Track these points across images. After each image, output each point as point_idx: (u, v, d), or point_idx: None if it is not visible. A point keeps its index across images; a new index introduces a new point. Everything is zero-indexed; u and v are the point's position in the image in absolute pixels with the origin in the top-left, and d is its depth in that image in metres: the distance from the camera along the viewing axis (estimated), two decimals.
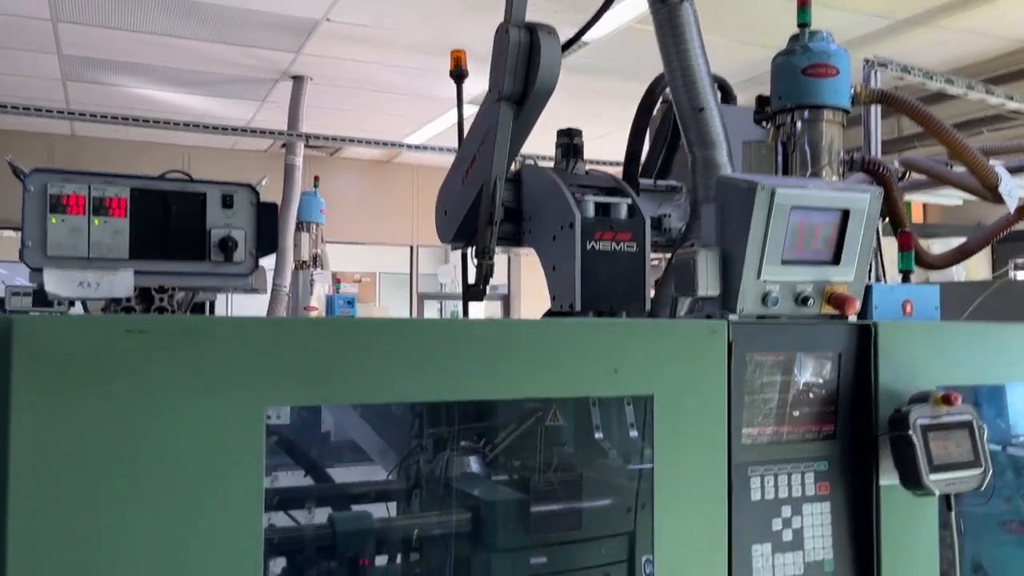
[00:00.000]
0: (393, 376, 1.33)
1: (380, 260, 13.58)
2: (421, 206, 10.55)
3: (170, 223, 1.29)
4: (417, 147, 7.35)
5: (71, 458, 1.12)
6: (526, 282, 11.52)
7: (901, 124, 6.09)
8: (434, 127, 8.75)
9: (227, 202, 1.32)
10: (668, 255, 2.58)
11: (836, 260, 1.70)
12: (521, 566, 1.97)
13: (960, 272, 4.50)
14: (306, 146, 7.48)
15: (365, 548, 1.68)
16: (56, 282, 1.20)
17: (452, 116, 8.86)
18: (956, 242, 2.67)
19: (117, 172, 1.25)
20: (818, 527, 1.70)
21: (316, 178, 6.84)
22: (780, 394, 1.69)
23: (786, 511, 1.68)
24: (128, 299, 1.26)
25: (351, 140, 6.93)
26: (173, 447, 1.19)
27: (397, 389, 1.35)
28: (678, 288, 1.70)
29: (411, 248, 11.58)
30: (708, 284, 1.64)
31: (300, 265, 6.73)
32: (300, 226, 6.75)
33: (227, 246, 1.31)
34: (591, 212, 2.18)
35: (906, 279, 2.18)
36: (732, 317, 1.65)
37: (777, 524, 1.67)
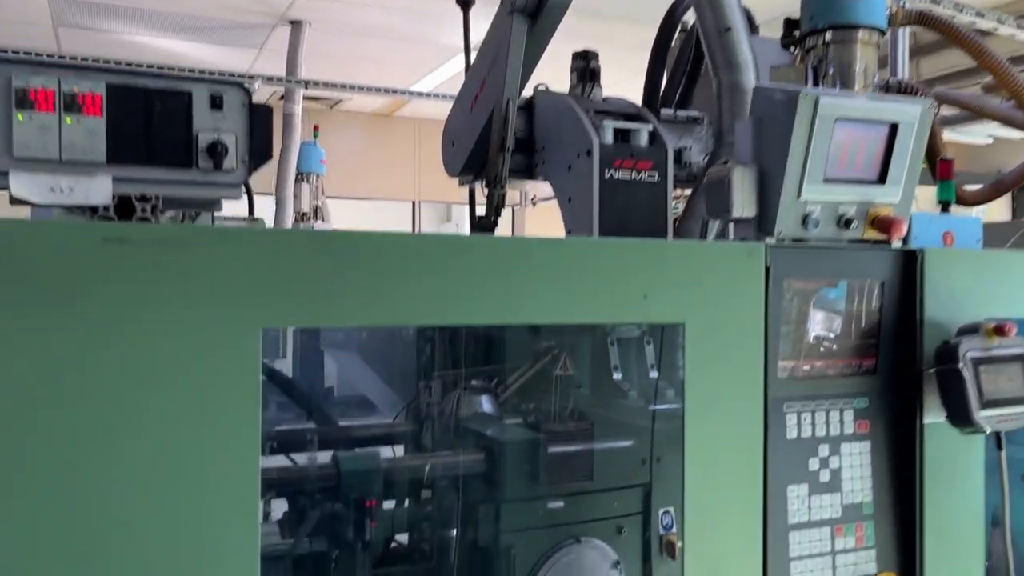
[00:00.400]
0: (401, 296, 1.20)
1: (381, 219, 13.41)
2: (423, 160, 10.34)
3: (152, 124, 1.15)
4: (421, 94, 7.15)
5: (39, 379, 1.00)
6: (529, 234, 11.36)
7: (920, 68, 5.88)
8: (438, 76, 8.52)
9: (216, 103, 1.18)
10: (688, 191, 2.45)
11: (882, 179, 1.56)
12: (532, 511, 1.86)
13: (979, 215, 4.34)
14: (305, 97, 7.28)
15: (372, 489, 1.57)
16: (24, 186, 1.07)
17: (456, 64, 8.64)
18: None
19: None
20: (857, 467, 1.59)
21: (316, 127, 6.65)
22: (818, 324, 1.57)
23: (823, 450, 1.56)
24: (106, 208, 1.13)
25: (352, 87, 6.72)
26: (156, 370, 1.06)
27: (405, 310, 1.22)
28: (710, 210, 1.56)
29: (413, 204, 11.40)
30: (743, 204, 1.51)
31: (300, 217, 6.58)
32: (300, 177, 6.59)
33: (216, 151, 1.18)
34: (610, 139, 2.03)
35: (945, 210, 2.05)
36: (769, 240, 1.51)
37: (814, 464, 1.55)
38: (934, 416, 1.59)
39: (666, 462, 1.99)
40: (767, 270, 1.47)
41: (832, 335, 1.58)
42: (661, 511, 2.05)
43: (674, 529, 2.05)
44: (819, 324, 1.57)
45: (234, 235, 1.12)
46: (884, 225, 1.55)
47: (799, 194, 1.50)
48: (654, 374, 2.06)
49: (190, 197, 1.19)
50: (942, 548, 1.61)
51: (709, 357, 1.42)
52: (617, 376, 2.03)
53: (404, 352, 2.14)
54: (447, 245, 1.24)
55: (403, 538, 1.91)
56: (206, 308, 1.09)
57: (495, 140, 2.01)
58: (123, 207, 1.15)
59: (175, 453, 1.07)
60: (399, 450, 2.03)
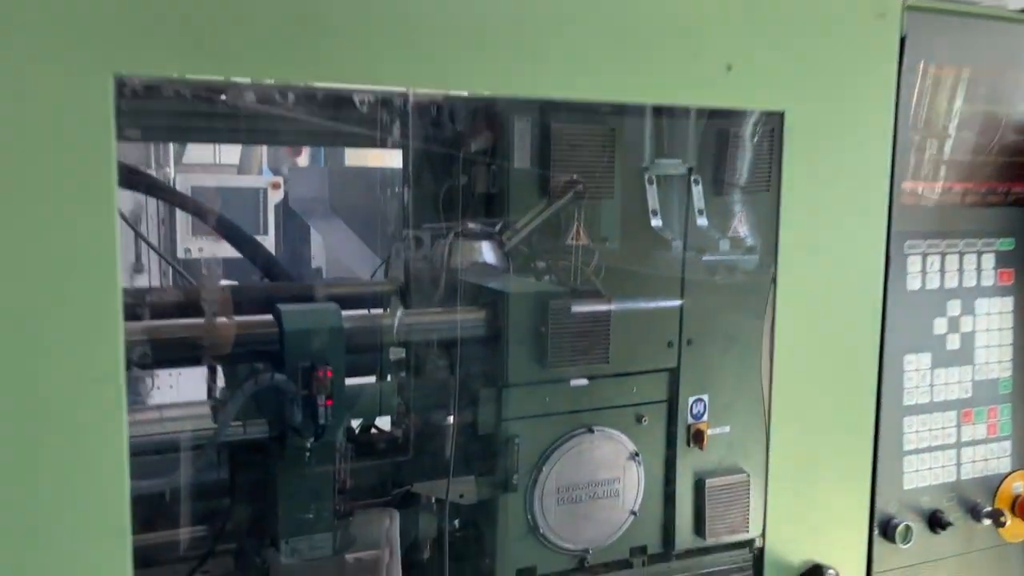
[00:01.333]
0: (347, 39, 0.73)
1: None
2: None
3: None
4: None
5: None
6: None
7: None
8: None
9: None
10: None
11: None
12: (536, 396, 1.44)
13: None
14: None
15: (327, 355, 1.15)
16: None
17: None
18: None
19: None
20: (995, 332, 1.17)
21: None
22: (960, 132, 1.11)
23: (954, 307, 1.14)
24: None
25: None
26: None
27: (353, 65, 0.75)
28: None
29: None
30: None
31: None
32: None
33: None
34: None
35: None
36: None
37: (940, 326, 1.13)
38: None
39: (701, 339, 1.57)
40: (902, 42, 1.00)
41: (974, 148, 1.11)
42: (692, 399, 1.65)
43: (705, 418, 1.67)
44: (962, 129, 1.10)
45: None
46: None
47: None
48: (703, 221, 1.61)
49: None
50: None
51: (815, 164, 0.97)
52: (656, 223, 1.58)
53: (382, 189, 1.69)
54: None
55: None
56: (20, 40, 0.64)
57: None
58: None
59: None
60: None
